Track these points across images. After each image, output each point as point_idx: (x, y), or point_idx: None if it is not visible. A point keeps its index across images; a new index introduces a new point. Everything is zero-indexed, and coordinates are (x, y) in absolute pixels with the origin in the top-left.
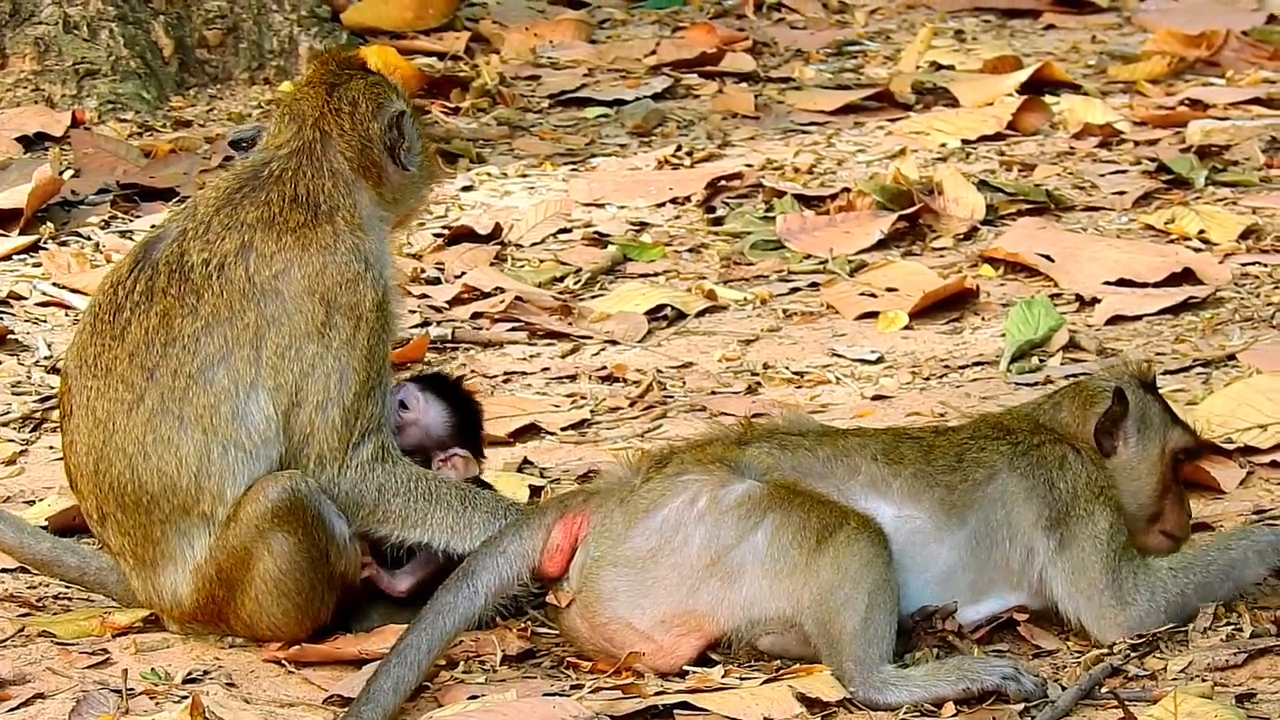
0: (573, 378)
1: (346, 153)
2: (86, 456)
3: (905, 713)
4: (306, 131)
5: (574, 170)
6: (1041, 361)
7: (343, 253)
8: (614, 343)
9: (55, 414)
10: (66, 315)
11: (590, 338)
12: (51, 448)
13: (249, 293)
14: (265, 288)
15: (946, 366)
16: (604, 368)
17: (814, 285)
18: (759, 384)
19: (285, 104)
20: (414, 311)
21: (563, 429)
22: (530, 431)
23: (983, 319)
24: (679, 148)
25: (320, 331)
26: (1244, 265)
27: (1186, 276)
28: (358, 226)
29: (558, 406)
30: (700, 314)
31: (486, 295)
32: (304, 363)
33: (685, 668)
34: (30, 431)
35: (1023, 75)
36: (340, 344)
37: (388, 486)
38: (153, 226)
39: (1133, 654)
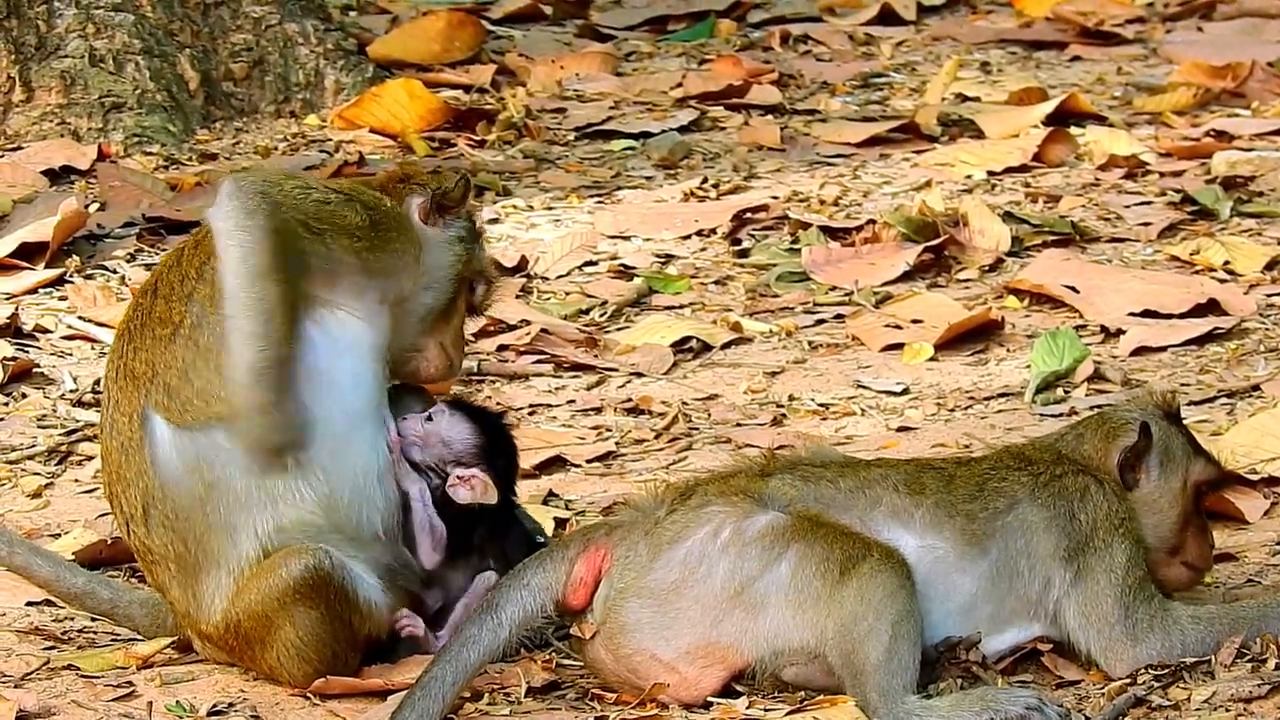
0: (598, 410)
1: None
2: (130, 427)
3: None
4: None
5: (600, 203)
6: (1066, 393)
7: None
8: (639, 375)
9: (81, 447)
10: (92, 349)
11: (616, 370)
12: (77, 481)
13: None
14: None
15: (971, 398)
16: (629, 400)
17: (839, 317)
18: (784, 416)
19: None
20: None
21: (588, 461)
22: (556, 464)
23: (1008, 350)
24: (705, 180)
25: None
26: (1269, 296)
27: (1211, 308)
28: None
29: (583, 439)
30: (726, 346)
31: (512, 327)
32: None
33: (709, 699)
34: (56, 465)
35: (1048, 107)
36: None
37: None
38: None
39: (1156, 684)
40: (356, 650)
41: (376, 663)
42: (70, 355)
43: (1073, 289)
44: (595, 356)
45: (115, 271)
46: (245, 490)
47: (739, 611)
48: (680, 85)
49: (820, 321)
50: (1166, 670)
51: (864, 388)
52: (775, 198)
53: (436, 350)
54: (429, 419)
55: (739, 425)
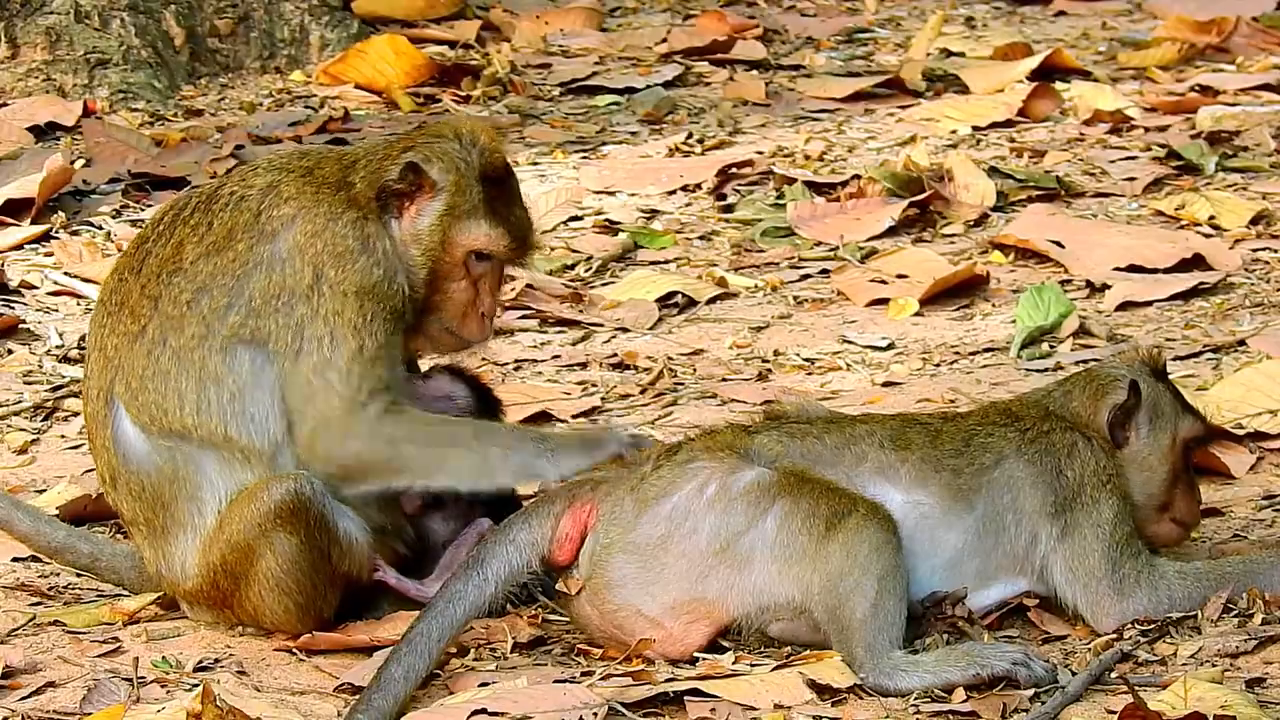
0: (584, 365)
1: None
2: (98, 401)
3: (915, 698)
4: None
5: (585, 158)
6: (1052, 348)
7: (344, 224)
8: (625, 330)
9: (67, 403)
10: (78, 304)
11: (601, 325)
12: (63, 436)
13: (250, 225)
14: (265, 227)
15: (957, 353)
16: (615, 355)
17: (825, 272)
18: (770, 371)
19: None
20: None
21: (574, 416)
22: (541, 419)
23: (993, 305)
24: (690, 135)
25: (308, 294)
26: (1254, 251)
27: (1197, 262)
28: (374, 216)
29: (568, 394)
30: (711, 301)
31: None
32: (293, 319)
33: (695, 654)
34: (42, 420)
35: (1033, 62)
36: (329, 312)
37: (398, 436)
38: None
39: (1143, 639)
40: (336, 588)
41: (361, 619)
42: (56, 311)
43: (1058, 244)
44: (580, 312)
45: (101, 227)
46: (210, 479)
47: (724, 567)
48: (665, 40)
49: (805, 276)
50: (1153, 625)
51: (849, 343)
52: (760, 153)
53: (438, 331)
54: (426, 377)
55: (724, 380)
